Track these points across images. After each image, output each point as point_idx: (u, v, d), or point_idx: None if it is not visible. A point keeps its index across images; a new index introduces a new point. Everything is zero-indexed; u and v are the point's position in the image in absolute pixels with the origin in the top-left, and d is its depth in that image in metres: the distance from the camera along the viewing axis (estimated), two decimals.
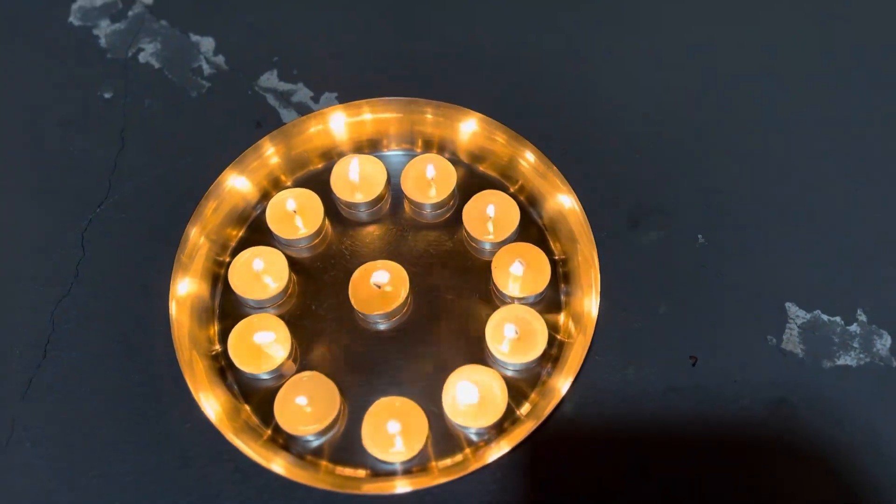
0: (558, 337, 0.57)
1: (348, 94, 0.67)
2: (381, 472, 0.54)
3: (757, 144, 0.65)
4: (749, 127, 0.66)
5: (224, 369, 0.57)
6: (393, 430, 0.52)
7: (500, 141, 0.61)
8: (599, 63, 0.69)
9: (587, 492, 0.53)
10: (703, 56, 0.69)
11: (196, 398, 0.52)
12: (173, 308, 0.55)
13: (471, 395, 0.53)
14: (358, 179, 0.61)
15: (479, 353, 0.57)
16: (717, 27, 0.70)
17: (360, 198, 0.61)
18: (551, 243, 0.60)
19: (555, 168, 0.58)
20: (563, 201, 0.59)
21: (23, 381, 0.57)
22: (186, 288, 0.57)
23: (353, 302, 0.57)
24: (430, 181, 0.61)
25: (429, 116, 0.62)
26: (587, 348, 0.54)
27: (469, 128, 0.62)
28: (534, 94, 0.67)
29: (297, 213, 0.60)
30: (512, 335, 0.55)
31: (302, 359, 0.57)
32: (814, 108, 0.66)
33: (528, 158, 0.60)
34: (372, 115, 0.62)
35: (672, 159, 0.64)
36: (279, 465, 0.52)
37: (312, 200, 0.61)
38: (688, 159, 0.64)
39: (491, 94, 0.66)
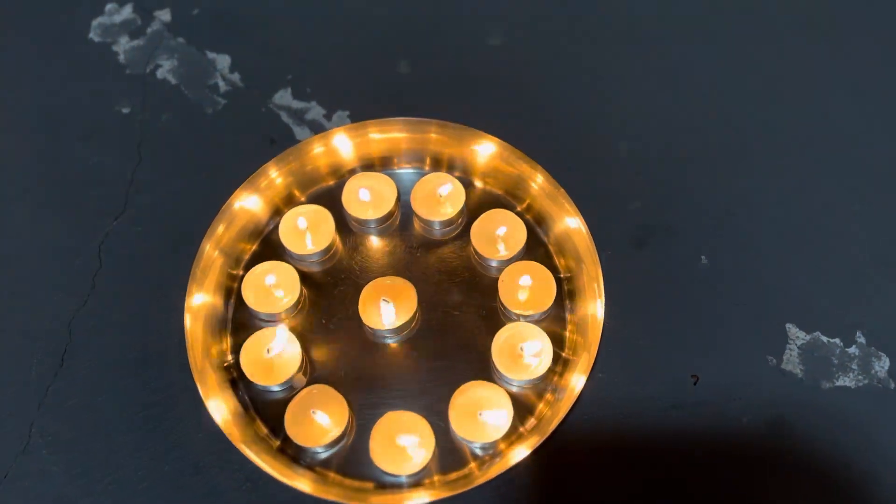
0: (563, 354, 0.59)
1: (361, 113, 0.68)
2: (387, 484, 0.55)
3: (759, 166, 0.66)
4: (752, 148, 0.67)
5: (235, 381, 0.58)
6: (407, 444, 0.53)
7: (508, 161, 0.62)
8: (606, 83, 0.70)
9: None
10: (709, 76, 0.70)
11: (207, 408, 0.53)
12: (188, 320, 0.56)
13: (477, 412, 0.55)
14: (369, 197, 0.63)
15: (485, 369, 0.58)
16: (723, 48, 0.72)
17: (370, 214, 0.63)
18: (557, 261, 0.62)
19: (562, 189, 0.60)
20: (570, 222, 0.60)
21: (40, 388, 0.59)
22: (200, 300, 0.58)
23: (362, 317, 0.58)
24: (440, 199, 0.63)
25: (438, 136, 0.64)
26: (591, 366, 0.55)
27: (479, 148, 0.63)
28: (541, 114, 0.69)
29: (308, 230, 0.61)
30: (518, 352, 0.56)
31: (311, 372, 0.59)
32: (816, 129, 0.68)
33: (536, 179, 0.62)
34: (382, 135, 0.64)
35: (676, 180, 0.65)
36: (288, 475, 0.53)
37: (324, 216, 0.62)
38: (692, 180, 0.65)
39: (499, 114, 0.68)
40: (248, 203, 0.62)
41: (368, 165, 0.66)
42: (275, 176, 0.63)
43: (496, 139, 0.62)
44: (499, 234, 0.61)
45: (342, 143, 0.64)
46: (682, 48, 0.72)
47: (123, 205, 0.65)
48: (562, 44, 0.72)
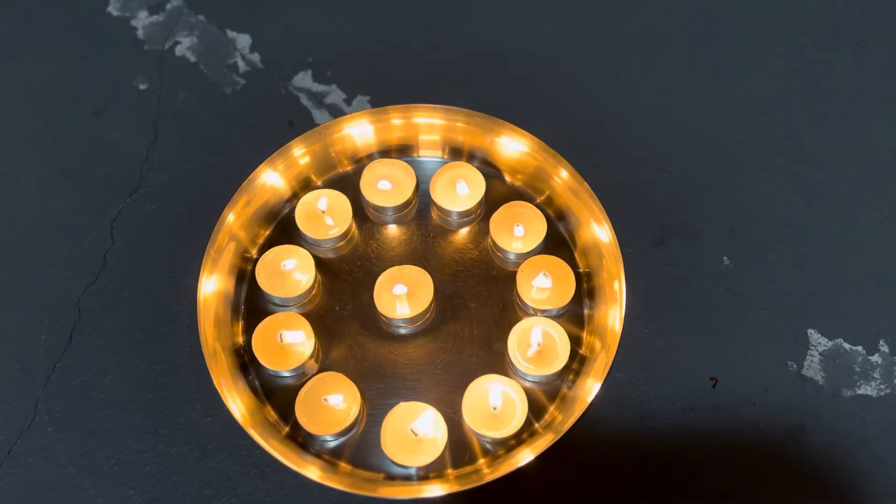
0: (580, 351, 0.58)
1: (381, 99, 0.67)
2: (396, 475, 0.54)
3: (786, 169, 0.65)
4: (778, 151, 0.66)
5: (246, 364, 0.57)
6: (420, 431, 0.53)
7: (532, 153, 0.61)
8: (632, 80, 0.69)
9: None
10: (736, 78, 0.69)
11: (219, 390, 0.52)
12: (200, 301, 0.55)
13: (491, 405, 0.54)
14: (387, 184, 0.62)
15: (499, 363, 0.57)
16: (750, 50, 0.71)
17: (388, 201, 0.62)
18: (577, 257, 0.61)
19: (586, 184, 0.59)
20: (593, 218, 0.59)
21: (48, 366, 0.58)
22: (214, 282, 0.57)
23: (377, 305, 0.57)
24: (459, 189, 0.61)
25: (461, 125, 0.63)
26: (609, 366, 0.54)
27: (502, 139, 0.62)
28: (565, 108, 0.68)
29: (327, 214, 0.60)
30: (535, 347, 0.55)
31: (323, 358, 0.58)
32: (843, 134, 0.67)
33: (560, 173, 0.60)
34: (404, 121, 0.63)
35: (700, 180, 0.64)
36: (297, 463, 0.52)
37: (341, 202, 0.61)
38: (716, 181, 0.64)
39: (524, 107, 0.67)
40: (266, 184, 0.61)
41: (386, 152, 0.65)
42: (298, 155, 0.61)
43: (521, 130, 0.61)
44: (518, 227, 0.60)
45: (366, 127, 0.63)
46: (710, 49, 0.71)
47: (137, 182, 0.64)
48: (591, 40, 0.71)
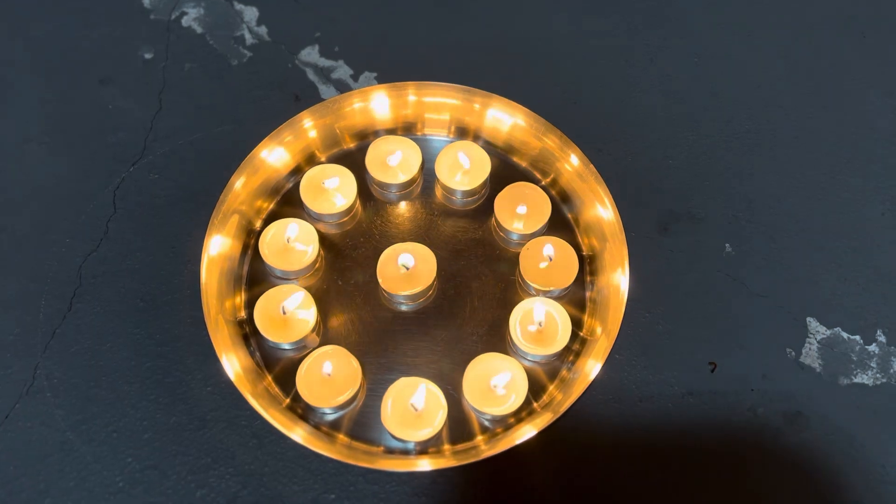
0: (581, 333, 0.58)
1: (388, 76, 0.67)
2: (394, 449, 0.54)
3: (789, 159, 0.65)
4: (784, 140, 0.66)
5: (248, 336, 0.57)
6: (420, 407, 0.53)
7: (539, 135, 0.61)
8: (641, 66, 0.69)
9: (598, 487, 0.54)
10: (744, 68, 0.69)
11: (220, 360, 0.52)
12: (203, 270, 0.55)
13: (491, 383, 0.54)
14: (393, 161, 0.62)
15: (500, 343, 0.57)
16: (760, 39, 0.71)
17: (393, 178, 0.61)
18: (580, 239, 0.61)
19: (592, 167, 0.59)
20: (598, 201, 0.59)
21: (47, 331, 0.58)
22: (217, 252, 0.57)
23: (380, 281, 0.57)
24: (464, 168, 0.61)
25: (467, 103, 0.63)
26: (610, 348, 0.54)
27: (506, 118, 0.62)
28: (573, 91, 0.68)
29: (332, 189, 0.60)
30: (536, 326, 0.55)
31: (325, 332, 0.58)
32: (849, 126, 0.67)
33: (566, 154, 0.60)
34: (413, 98, 0.63)
35: (705, 167, 0.64)
36: (297, 433, 0.52)
37: (346, 177, 0.61)
38: (721, 168, 0.65)
39: (530, 86, 0.67)
40: (272, 157, 0.61)
41: (392, 130, 0.64)
42: (305, 128, 0.61)
43: (529, 111, 0.61)
44: (522, 207, 0.60)
45: (373, 103, 0.62)
46: (720, 39, 0.71)
47: (141, 152, 0.64)
48: (601, 24, 0.71)
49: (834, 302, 0.59)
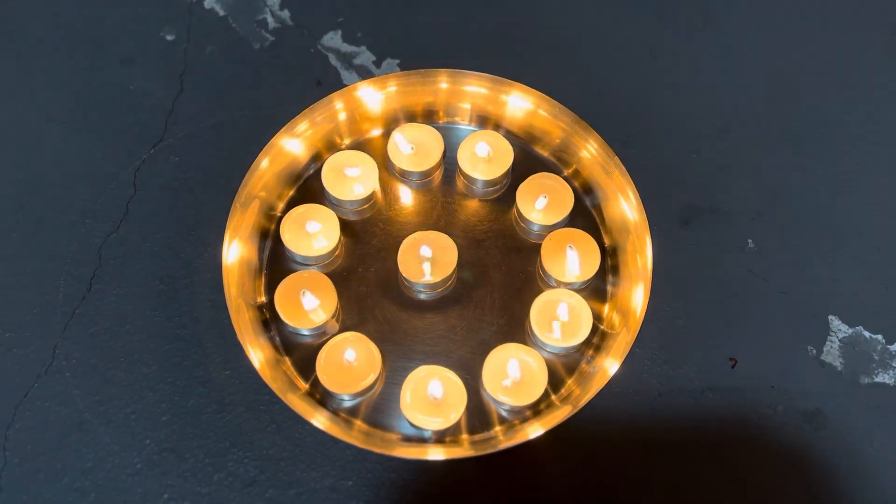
0: (601, 327, 0.57)
1: (410, 63, 0.67)
2: (412, 437, 0.54)
3: (814, 155, 0.65)
4: (810, 136, 0.65)
5: (268, 321, 0.57)
6: (439, 395, 0.53)
7: (561, 125, 0.61)
8: (668, 59, 0.69)
9: (615, 481, 0.54)
10: (771, 61, 0.69)
11: (242, 343, 0.52)
12: (226, 254, 0.55)
13: (512, 374, 0.54)
14: (415, 148, 0.61)
15: (519, 333, 0.57)
16: (788, 32, 0.70)
17: (415, 166, 0.61)
18: (602, 232, 0.60)
19: (616, 158, 0.58)
20: (621, 193, 0.58)
21: (66, 311, 0.58)
22: (239, 236, 0.57)
23: (400, 269, 0.57)
24: (486, 157, 0.61)
25: (492, 93, 0.62)
26: (631, 343, 0.54)
27: (529, 107, 0.62)
28: (598, 83, 0.67)
29: (354, 176, 0.60)
30: (558, 318, 0.55)
31: (344, 319, 0.57)
32: (873, 121, 0.66)
33: (589, 145, 0.60)
34: (435, 85, 0.62)
35: (730, 162, 0.64)
36: (316, 419, 0.52)
37: (368, 164, 0.61)
38: (746, 164, 0.64)
39: (555, 76, 0.66)
40: (294, 142, 0.60)
41: (413, 118, 0.64)
42: (327, 114, 0.61)
43: (553, 101, 0.60)
44: (544, 199, 0.59)
45: (395, 90, 0.62)
46: (748, 32, 0.70)
47: (162, 133, 0.64)
48: (629, 16, 0.70)
49: (856, 301, 0.59)
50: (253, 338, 0.54)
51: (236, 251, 0.56)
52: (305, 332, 0.56)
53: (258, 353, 0.54)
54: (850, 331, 0.58)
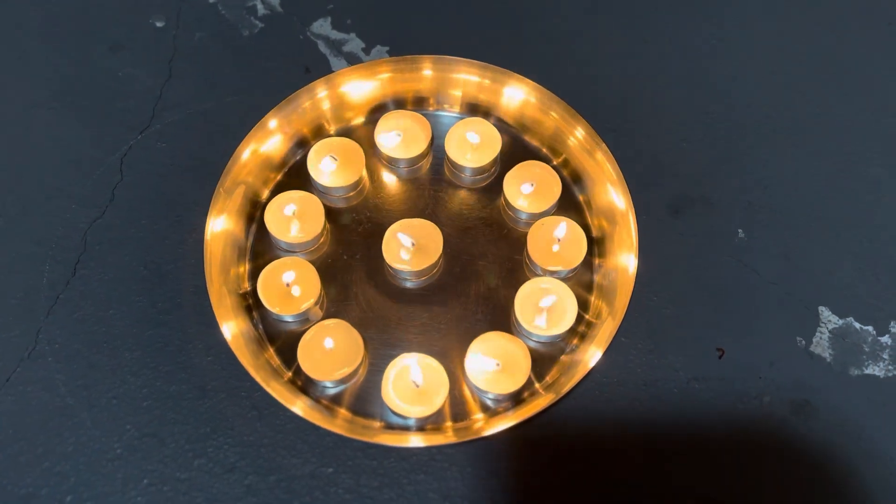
0: (586, 316, 0.57)
1: (400, 50, 0.66)
2: (395, 425, 0.54)
3: (807, 145, 0.64)
4: (800, 127, 0.65)
5: (251, 307, 0.57)
6: (423, 383, 0.52)
7: (550, 113, 0.60)
8: (658, 48, 0.68)
9: (600, 470, 0.53)
10: (763, 50, 0.68)
11: (222, 330, 0.52)
12: (208, 239, 0.55)
13: (494, 362, 0.53)
14: (402, 136, 0.61)
15: (504, 322, 0.57)
16: (782, 23, 0.69)
17: (402, 153, 0.61)
18: (589, 220, 0.60)
19: (604, 146, 0.58)
20: (608, 180, 0.58)
21: (50, 296, 0.57)
22: (222, 222, 0.57)
23: (385, 256, 0.57)
24: (474, 145, 0.61)
25: (479, 79, 0.62)
26: (615, 331, 0.53)
27: (519, 95, 0.61)
28: (588, 69, 0.66)
29: (338, 163, 0.59)
30: (542, 306, 0.54)
31: (328, 306, 0.57)
32: (866, 112, 0.65)
33: (578, 134, 0.59)
34: (425, 72, 0.62)
35: (721, 151, 0.63)
36: (297, 406, 0.52)
37: (354, 151, 0.60)
38: (737, 153, 0.63)
39: (545, 64, 0.66)
40: (280, 128, 0.60)
41: (402, 104, 0.64)
42: (313, 100, 0.61)
43: (540, 87, 0.60)
44: (532, 187, 0.59)
45: (384, 76, 0.62)
46: (741, 21, 0.69)
47: (149, 119, 0.64)
48: (618, 3, 0.70)
49: (847, 292, 0.58)
50: (234, 324, 0.54)
51: (219, 237, 0.56)
52: (289, 319, 0.56)
53: (240, 341, 0.53)
54: (841, 322, 0.57)
